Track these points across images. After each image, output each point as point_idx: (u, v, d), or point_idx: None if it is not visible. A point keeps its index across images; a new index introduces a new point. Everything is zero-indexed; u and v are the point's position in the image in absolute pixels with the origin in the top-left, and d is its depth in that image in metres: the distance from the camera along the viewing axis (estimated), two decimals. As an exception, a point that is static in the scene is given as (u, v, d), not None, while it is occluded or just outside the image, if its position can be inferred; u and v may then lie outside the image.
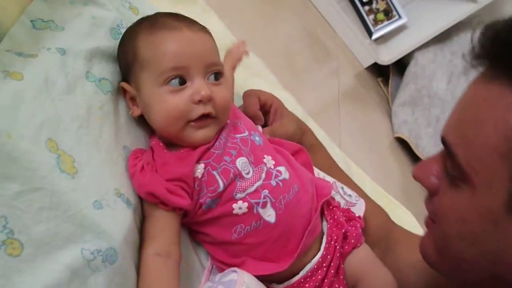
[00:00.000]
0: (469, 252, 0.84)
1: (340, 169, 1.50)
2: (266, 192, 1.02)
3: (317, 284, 1.06)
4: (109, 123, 1.00)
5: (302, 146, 1.33)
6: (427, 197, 0.94)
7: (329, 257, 1.09)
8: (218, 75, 1.05)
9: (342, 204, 1.25)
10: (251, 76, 1.62)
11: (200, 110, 1.00)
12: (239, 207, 1.01)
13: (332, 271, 1.07)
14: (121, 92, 1.07)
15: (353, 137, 2.37)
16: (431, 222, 0.93)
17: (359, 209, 1.28)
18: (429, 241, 0.93)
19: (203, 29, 1.07)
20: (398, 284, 1.14)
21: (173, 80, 0.99)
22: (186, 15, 1.10)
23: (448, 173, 0.85)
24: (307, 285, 1.06)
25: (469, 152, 0.79)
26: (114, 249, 0.85)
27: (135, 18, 1.13)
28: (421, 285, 1.21)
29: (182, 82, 1.00)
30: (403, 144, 2.68)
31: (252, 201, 1.01)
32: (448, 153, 0.84)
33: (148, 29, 1.03)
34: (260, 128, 1.28)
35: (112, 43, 1.09)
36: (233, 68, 1.35)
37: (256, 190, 1.02)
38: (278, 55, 2.21)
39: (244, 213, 1.01)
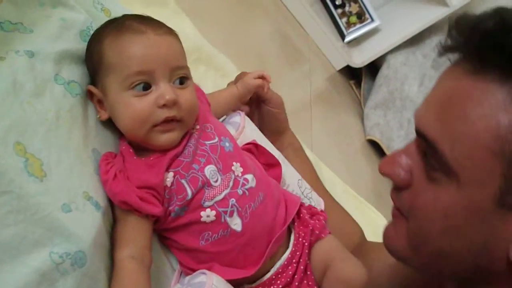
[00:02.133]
0: (452, 246, 0.84)
1: (315, 175, 1.51)
2: (233, 200, 1.03)
3: (288, 280, 1.07)
4: (78, 126, 0.99)
5: (282, 144, 1.39)
6: (394, 190, 0.93)
7: (298, 253, 1.10)
8: (183, 79, 1.05)
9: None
10: (222, 78, 1.62)
11: (165, 113, 1.00)
12: (207, 215, 1.01)
13: (302, 267, 1.09)
14: (88, 95, 1.07)
15: (325, 139, 2.38)
16: (401, 216, 0.92)
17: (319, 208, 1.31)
18: (399, 236, 0.92)
19: (170, 32, 1.07)
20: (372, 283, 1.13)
21: (138, 85, 0.99)
22: (157, 17, 1.09)
23: (427, 167, 0.85)
24: (278, 282, 1.07)
25: (456, 148, 0.78)
26: (83, 252, 0.85)
27: (107, 20, 1.12)
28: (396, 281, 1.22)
29: (147, 86, 1.00)
30: (375, 146, 2.70)
31: (220, 209, 1.02)
32: (428, 148, 0.83)
33: (113, 33, 1.03)
34: (242, 114, 1.31)
35: (81, 46, 1.08)
36: (240, 98, 1.34)
37: (224, 198, 1.03)
38: (250, 57, 2.21)
39: (212, 221, 1.02)
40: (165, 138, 1.02)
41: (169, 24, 1.10)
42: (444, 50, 0.85)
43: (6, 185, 0.80)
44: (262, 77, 1.32)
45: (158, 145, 1.03)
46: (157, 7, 1.56)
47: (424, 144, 0.85)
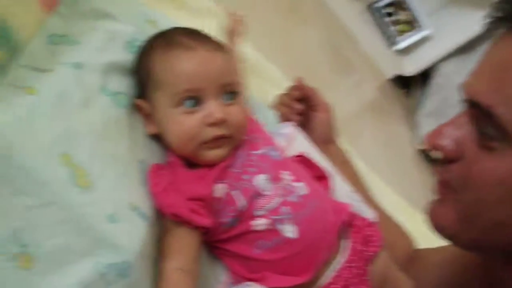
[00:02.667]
0: (508, 215, 0.82)
1: (365, 188, 1.48)
2: (286, 208, 1.01)
3: (345, 283, 1.04)
4: (125, 137, 0.99)
5: (331, 154, 1.36)
6: (441, 164, 0.90)
7: (353, 257, 1.08)
8: (233, 94, 1.05)
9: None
10: (270, 87, 1.61)
11: (213, 132, 1.00)
12: (260, 223, 1.00)
13: (358, 272, 1.06)
14: (137, 108, 1.07)
15: (376, 149, 2.35)
16: (449, 191, 0.90)
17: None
18: (448, 212, 0.90)
19: (220, 48, 1.06)
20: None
21: (187, 101, 1.00)
22: (205, 28, 1.09)
23: (480, 137, 0.82)
24: (335, 286, 1.04)
25: None
26: (128, 263, 0.84)
27: (152, 32, 1.12)
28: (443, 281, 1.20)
29: (196, 103, 1.00)
30: (427, 156, 2.65)
31: (273, 217, 1.00)
32: (482, 116, 0.81)
33: (162, 47, 1.03)
34: (292, 126, 1.30)
35: (128, 57, 1.08)
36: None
37: (276, 207, 1.01)
38: (298, 67, 2.19)
39: (264, 230, 1.00)
40: (214, 154, 1.02)
41: (217, 35, 1.09)
42: (493, 22, 0.83)
43: (51, 196, 0.81)
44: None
45: (206, 160, 1.02)
46: (205, 19, 1.56)
47: (477, 113, 0.83)
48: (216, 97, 1.01)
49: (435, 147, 0.89)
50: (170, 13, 1.43)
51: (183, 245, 0.96)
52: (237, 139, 1.05)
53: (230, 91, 1.04)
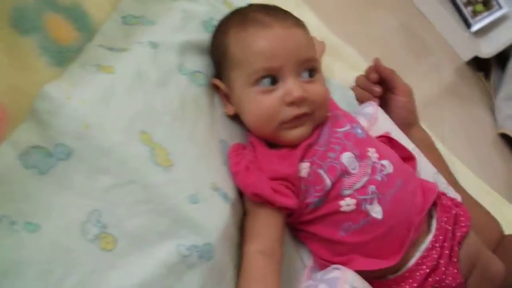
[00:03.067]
0: None
1: (449, 172, 1.41)
2: (373, 187, 0.96)
3: (434, 263, 0.98)
4: (204, 116, 0.97)
5: (412, 138, 1.29)
6: None
7: (441, 237, 1.01)
8: (312, 71, 1.00)
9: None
10: (349, 70, 1.55)
11: (293, 111, 0.96)
12: (347, 204, 0.95)
13: (447, 252, 1.00)
14: (214, 87, 1.04)
15: (456, 133, 2.27)
16: None
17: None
18: None
19: (297, 24, 1.02)
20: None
21: (264, 80, 0.95)
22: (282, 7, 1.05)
23: None
24: (424, 266, 0.98)
25: None
26: (210, 245, 0.81)
27: (229, 12, 1.09)
28: None
29: (274, 81, 0.96)
30: (508, 140, 2.55)
31: (360, 197, 0.95)
32: None
33: (238, 25, 1.00)
34: (374, 105, 1.26)
35: (205, 36, 1.06)
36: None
37: (363, 186, 0.96)
38: (375, 51, 2.12)
39: (352, 210, 0.95)
40: (295, 133, 0.98)
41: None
42: None
43: (131, 175, 0.79)
44: None
45: (287, 141, 0.98)
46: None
47: None
48: (294, 74, 0.97)
49: None
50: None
51: (266, 227, 0.93)
52: (319, 116, 1.01)
53: (309, 68, 0.99)
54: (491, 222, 1.38)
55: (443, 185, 1.24)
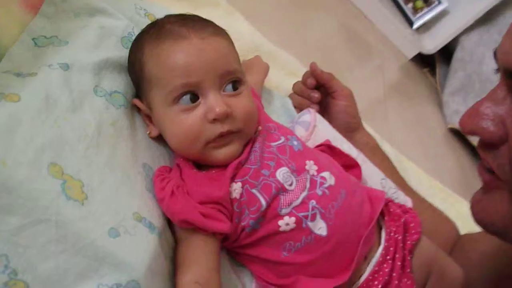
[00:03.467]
0: None
1: (397, 174, 1.37)
2: (313, 202, 0.91)
3: (386, 278, 0.93)
4: (124, 140, 0.89)
5: (357, 143, 1.26)
6: (485, 149, 0.77)
7: (391, 249, 0.97)
8: (236, 83, 0.93)
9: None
10: (287, 76, 1.50)
11: (218, 129, 0.89)
12: (286, 223, 0.89)
13: (399, 263, 0.95)
14: (136, 108, 0.98)
15: (404, 132, 2.25)
16: (496, 179, 0.77)
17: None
18: (497, 204, 0.77)
19: (216, 33, 0.94)
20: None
21: (184, 97, 0.88)
22: (208, 18, 0.99)
23: None
24: (376, 282, 0.94)
25: None
26: (136, 282, 0.74)
27: (151, 26, 1.03)
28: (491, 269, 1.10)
29: (194, 98, 0.89)
30: (457, 135, 2.53)
31: (300, 214, 0.89)
32: None
33: (153, 40, 0.92)
34: (311, 112, 1.20)
35: (123, 53, 0.99)
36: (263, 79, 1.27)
37: (302, 202, 0.90)
38: (314, 54, 2.09)
39: (292, 229, 0.89)
40: (223, 153, 0.91)
41: (221, 24, 0.98)
42: None
43: (42, 213, 0.71)
44: None
45: (216, 161, 0.92)
46: (208, 8, 1.46)
47: None
48: (216, 88, 0.90)
49: (473, 132, 0.76)
50: (171, 4, 1.34)
51: (199, 254, 0.85)
52: (247, 133, 0.94)
53: (232, 80, 0.92)
54: (446, 223, 1.35)
55: (392, 190, 1.21)
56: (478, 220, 0.82)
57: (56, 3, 0.98)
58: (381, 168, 1.25)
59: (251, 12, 1.75)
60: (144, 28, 0.99)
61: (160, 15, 1.11)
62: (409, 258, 0.97)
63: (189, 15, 0.98)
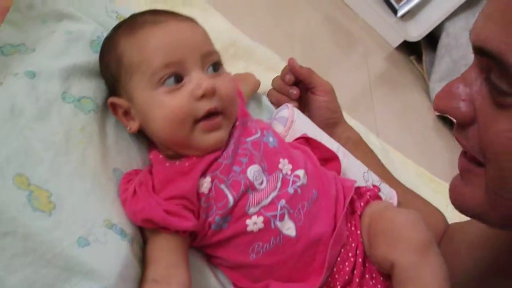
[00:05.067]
0: None
1: (382, 166, 1.36)
2: (282, 202, 0.89)
3: (346, 277, 0.92)
4: (93, 146, 0.88)
5: (339, 138, 1.25)
6: (458, 130, 0.76)
7: (353, 244, 0.96)
8: (217, 65, 0.93)
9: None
10: (266, 71, 1.49)
11: (206, 105, 0.87)
12: (254, 222, 0.87)
13: (360, 260, 0.94)
14: (110, 110, 0.96)
15: (391, 122, 2.23)
16: (471, 164, 0.76)
17: (391, 201, 1.18)
18: (473, 190, 0.76)
19: (191, 19, 0.95)
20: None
21: (168, 80, 0.87)
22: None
23: (493, 92, 0.68)
24: (337, 282, 0.92)
25: None
26: (109, 290, 0.73)
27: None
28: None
29: (179, 79, 0.88)
30: (447, 121, 2.52)
31: (268, 214, 0.88)
32: (494, 66, 0.67)
33: (128, 32, 0.91)
34: (289, 107, 1.19)
35: (93, 57, 0.98)
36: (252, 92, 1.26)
37: (271, 202, 0.89)
38: (298, 47, 2.08)
39: (260, 229, 0.88)
40: (213, 137, 0.90)
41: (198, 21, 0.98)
42: None
43: (7, 225, 0.70)
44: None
45: (205, 146, 0.90)
46: (183, 8, 1.44)
47: (488, 63, 0.68)
48: (199, 68, 0.89)
49: (445, 111, 0.75)
50: (145, 6, 1.32)
51: (158, 252, 0.84)
52: (232, 115, 0.94)
53: (214, 62, 0.92)
54: (433, 214, 1.33)
55: (376, 183, 1.19)
56: (456, 206, 0.82)
57: (22, 10, 0.97)
58: (364, 161, 1.25)
59: (232, 8, 1.74)
60: (112, 29, 0.98)
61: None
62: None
63: (157, 9, 0.98)
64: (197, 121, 0.88)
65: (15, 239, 0.70)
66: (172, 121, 0.88)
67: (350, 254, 0.93)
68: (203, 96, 0.87)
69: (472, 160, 0.76)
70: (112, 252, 0.78)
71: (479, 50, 0.69)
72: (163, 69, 0.87)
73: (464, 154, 0.79)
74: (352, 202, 1.01)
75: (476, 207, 0.77)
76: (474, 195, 0.76)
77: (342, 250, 0.93)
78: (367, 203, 1.00)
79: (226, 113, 0.91)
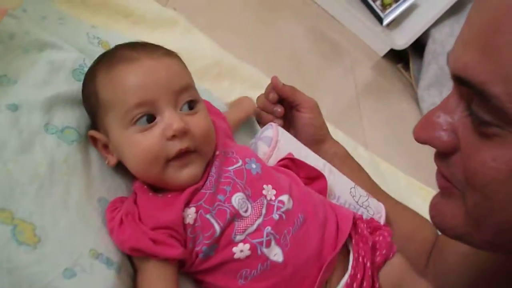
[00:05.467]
0: None
1: (370, 181, 1.36)
2: (268, 229, 0.90)
3: None
4: (77, 176, 0.89)
5: (325, 154, 1.25)
6: (439, 158, 0.76)
7: (359, 276, 0.94)
8: (192, 103, 0.93)
9: (364, 215, 1.13)
10: (250, 89, 1.50)
11: (176, 146, 0.88)
12: (240, 250, 0.88)
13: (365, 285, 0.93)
14: (90, 141, 0.96)
15: (380, 132, 2.24)
16: (453, 188, 0.75)
17: (379, 215, 1.18)
18: (454, 213, 0.75)
19: (168, 54, 0.95)
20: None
21: (141, 120, 0.88)
22: (166, 38, 1.00)
23: (475, 122, 0.66)
24: None
25: None
26: (95, 322, 0.74)
27: (105, 54, 1.02)
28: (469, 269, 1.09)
29: (151, 118, 0.88)
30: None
31: (254, 241, 0.88)
32: (475, 96, 0.65)
33: (105, 67, 0.92)
34: (273, 127, 1.19)
35: (75, 86, 0.98)
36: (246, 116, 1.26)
37: (257, 229, 0.89)
38: (283, 61, 2.09)
39: (247, 256, 0.88)
40: (186, 174, 0.90)
41: (181, 42, 0.99)
42: None
43: (-8, 261, 0.71)
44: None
45: (178, 183, 0.90)
46: (166, 28, 1.45)
47: (469, 92, 0.67)
48: (172, 107, 0.90)
49: (426, 141, 0.74)
50: (127, 29, 1.33)
51: (151, 281, 0.85)
52: (207, 153, 0.94)
53: (188, 100, 0.92)
54: (423, 226, 1.33)
55: (363, 198, 1.20)
56: (436, 224, 0.81)
57: (4, 40, 0.97)
58: (351, 177, 1.25)
59: (216, 26, 1.75)
60: (95, 59, 0.99)
61: (114, 41, 1.11)
62: (377, 286, 0.95)
63: (140, 41, 0.98)
64: (168, 160, 0.89)
65: (1, 275, 0.71)
66: (143, 160, 0.89)
67: (354, 285, 0.93)
68: (174, 137, 0.87)
69: (450, 182, 0.76)
70: (99, 281, 0.78)
71: (458, 79, 0.68)
72: (135, 109, 0.87)
73: (442, 174, 0.78)
74: (356, 228, 1.01)
75: (457, 227, 0.77)
76: (455, 214, 0.76)
77: (349, 280, 0.93)
78: (385, 256, 0.99)
79: (199, 151, 0.91)
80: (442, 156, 0.75)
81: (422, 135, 0.75)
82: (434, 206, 0.82)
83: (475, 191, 0.70)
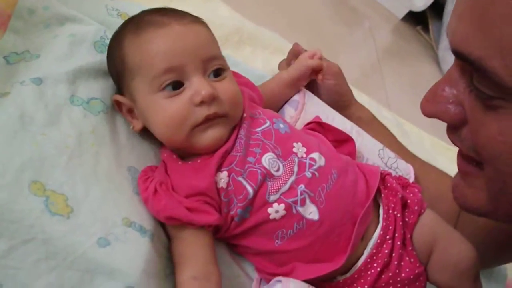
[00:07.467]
0: None
1: (397, 143, 1.34)
2: (302, 187, 0.89)
3: (385, 259, 0.91)
4: (106, 146, 0.89)
5: (350, 119, 1.22)
6: (451, 131, 0.75)
7: (390, 227, 0.94)
8: (219, 70, 0.93)
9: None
10: (272, 55, 1.49)
11: (204, 112, 0.87)
12: (276, 210, 0.88)
13: (399, 243, 0.93)
14: (115, 106, 0.96)
15: (402, 94, 2.21)
16: (470, 165, 0.75)
17: (408, 177, 1.17)
18: (476, 192, 0.75)
19: (196, 21, 0.94)
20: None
21: (169, 86, 0.87)
22: (185, 7, 0.98)
23: (478, 94, 0.65)
24: (375, 264, 0.92)
25: (510, 61, 0.59)
26: (132, 287, 0.74)
27: (125, 25, 1.01)
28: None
29: (179, 84, 0.88)
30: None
31: (289, 200, 0.88)
32: (474, 70, 0.64)
33: (133, 31, 0.92)
34: (300, 91, 1.18)
35: (98, 58, 0.98)
36: (292, 84, 1.19)
37: (290, 187, 0.89)
38: (303, 27, 2.07)
39: (282, 216, 0.88)
40: (210, 136, 0.89)
41: (201, 10, 0.98)
42: None
43: (27, 232, 0.71)
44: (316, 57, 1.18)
45: (203, 146, 0.90)
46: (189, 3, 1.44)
47: (468, 67, 0.66)
48: (200, 73, 0.89)
49: (434, 115, 0.73)
50: (145, 0, 1.32)
51: (192, 250, 0.85)
52: (234, 117, 0.93)
53: (216, 68, 0.92)
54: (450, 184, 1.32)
55: (392, 160, 1.19)
56: (460, 205, 0.81)
57: (24, 17, 0.97)
58: (378, 139, 1.23)
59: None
60: (121, 25, 0.98)
61: (133, 12, 1.10)
62: (409, 236, 0.95)
63: (167, 8, 0.98)
64: (196, 126, 0.88)
65: (37, 245, 0.71)
66: (170, 125, 0.89)
67: (387, 236, 0.93)
68: (202, 103, 0.87)
69: (470, 161, 0.75)
70: (134, 249, 0.78)
71: (457, 54, 0.67)
72: (164, 75, 0.87)
73: (461, 155, 0.77)
74: (385, 183, 1.01)
75: (480, 208, 0.76)
76: (477, 196, 0.75)
77: (381, 232, 0.93)
78: (417, 217, 0.98)
79: (227, 115, 0.91)
80: (453, 129, 0.74)
81: (429, 109, 0.74)
82: (456, 188, 0.81)
83: (488, 165, 0.70)
